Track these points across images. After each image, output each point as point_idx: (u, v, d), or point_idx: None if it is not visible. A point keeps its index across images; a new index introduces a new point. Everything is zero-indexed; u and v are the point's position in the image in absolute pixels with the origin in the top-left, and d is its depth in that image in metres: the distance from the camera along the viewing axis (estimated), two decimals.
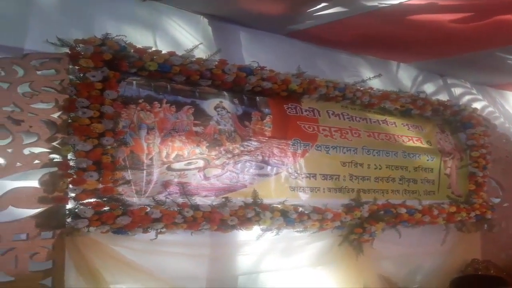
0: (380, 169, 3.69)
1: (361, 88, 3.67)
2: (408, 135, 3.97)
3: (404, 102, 3.92)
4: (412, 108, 3.98)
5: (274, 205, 3.03)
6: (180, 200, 2.74)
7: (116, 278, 2.49)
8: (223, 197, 2.90)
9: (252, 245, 3.01)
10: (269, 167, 3.13)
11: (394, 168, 3.78)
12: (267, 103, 3.24)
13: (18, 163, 2.35)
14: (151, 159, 2.70)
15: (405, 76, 4.38)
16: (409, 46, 3.85)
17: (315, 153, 3.34)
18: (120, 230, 2.51)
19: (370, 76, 3.83)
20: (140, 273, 2.57)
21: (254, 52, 3.34)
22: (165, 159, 2.75)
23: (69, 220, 2.41)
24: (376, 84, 3.89)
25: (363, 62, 4.07)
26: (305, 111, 3.41)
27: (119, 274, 2.50)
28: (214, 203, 2.84)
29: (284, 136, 3.23)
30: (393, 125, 3.91)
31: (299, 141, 3.28)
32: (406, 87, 4.27)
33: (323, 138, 3.41)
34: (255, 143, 3.10)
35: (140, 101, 2.73)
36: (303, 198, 3.24)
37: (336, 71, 3.78)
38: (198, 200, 2.79)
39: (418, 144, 4.00)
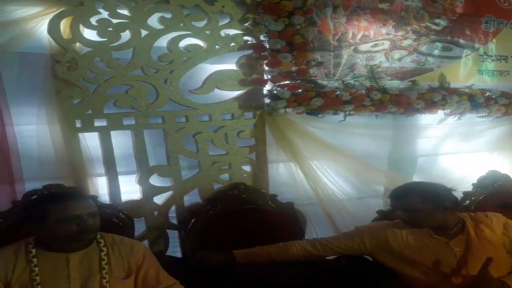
0: None
1: None
2: None
3: None
4: None
5: (461, 89, 2.87)
6: (368, 83, 2.70)
7: (313, 154, 2.61)
8: (409, 81, 2.80)
9: (433, 129, 2.97)
10: (458, 49, 2.90)
11: None
12: None
13: (216, 45, 2.41)
14: (338, 40, 2.62)
15: None
16: None
17: (509, 32, 3.00)
18: (313, 112, 2.59)
19: None
20: (333, 151, 2.67)
21: None
22: (351, 40, 2.65)
23: (268, 101, 2.51)
24: None
25: None
26: None
27: (315, 151, 2.62)
28: (400, 86, 2.76)
29: (476, 12, 2.91)
30: None
31: (492, 18, 2.95)
32: None
33: None
34: (444, 22, 2.83)
35: None
36: (491, 82, 3.01)
37: None
38: (385, 83, 2.72)
39: None
